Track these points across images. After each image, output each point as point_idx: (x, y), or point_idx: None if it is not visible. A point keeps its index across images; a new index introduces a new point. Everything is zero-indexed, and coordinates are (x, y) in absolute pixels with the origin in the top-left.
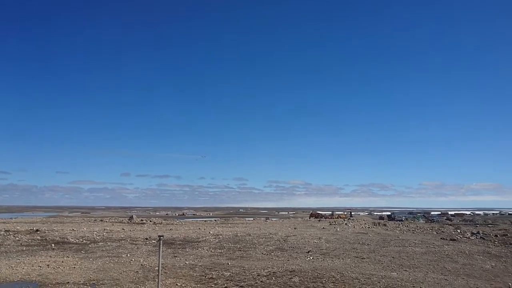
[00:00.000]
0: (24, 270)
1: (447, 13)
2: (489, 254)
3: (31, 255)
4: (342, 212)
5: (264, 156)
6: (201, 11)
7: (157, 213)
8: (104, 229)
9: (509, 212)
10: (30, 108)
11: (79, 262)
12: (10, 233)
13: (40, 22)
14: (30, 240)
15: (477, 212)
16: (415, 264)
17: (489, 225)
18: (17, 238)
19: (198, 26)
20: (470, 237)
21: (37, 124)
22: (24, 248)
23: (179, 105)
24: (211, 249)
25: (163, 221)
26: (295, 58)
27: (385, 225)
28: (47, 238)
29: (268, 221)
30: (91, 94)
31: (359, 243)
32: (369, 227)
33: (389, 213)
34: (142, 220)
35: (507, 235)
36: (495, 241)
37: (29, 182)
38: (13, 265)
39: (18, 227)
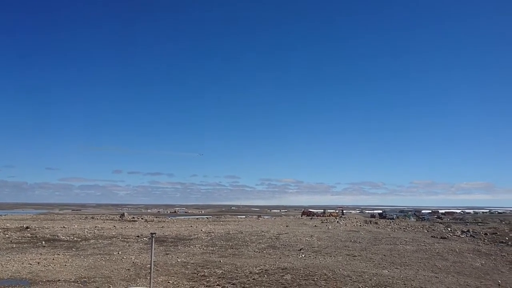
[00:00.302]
0: (14, 267)
1: (446, 13)
2: (479, 252)
3: (21, 253)
4: (334, 210)
5: (256, 154)
6: (201, 8)
7: (148, 211)
8: (95, 227)
9: (499, 210)
10: (19, 103)
11: (70, 260)
12: (0, 230)
13: (35, 17)
14: (20, 238)
15: (467, 211)
16: (406, 262)
17: (479, 224)
18: (7, 236)
19: (192, 22)
20: (461, 235)
21: (26, 119)
22: (14, 246)
23: (172, 102)
24: (203, 246)
25: (155, 219)
26: (290, 56)
27: (376, 223)
28: (38, 236)
29: (260, 219)
30: (82, 89)
31: (351, 241)
32: (360, 225)
33: (381, 211)
34: (133, 217)
35: (496, 233)
36: (485, 239)
37: (19, 179)
38: (3, 263)
39: (7, 224)
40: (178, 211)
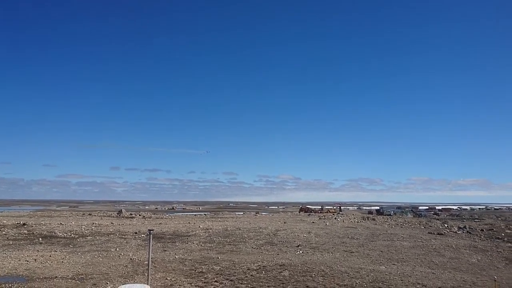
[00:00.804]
0: (11, 264)
1: (445, 13)
2: (476, 248)
3: (18, 250)
4: (332, 207)
5: (254, 151)
6: (196, 5)
7: (146, 207)
8: (93, 223)
9: (495, 207)
10: (16, 100)
11: (67, 257)
12: None
13: (33, 13)
14: (17, 234)
15: (464, 207)
16: (403, 258)
17: (475, 220)
18: (3, 232)
19: (190, 19)
20: (457, 232)
21: (23, 115)
22: (11, 243)
23: (170, 99)
24: (201, 243)
25: (153, 215)
26: (288, 53)
27: (374, 219)
28: (35, 232)
29: (258, 215)
30: (80, 86)
31: (348, 237)
32: (358, 222)
33: (378, 207)
34: (131, 214)
35: (493, 229)
36: (481, 235)
37: (15, 176)
38: None
39: (4, 221)
40: (176, 207)
